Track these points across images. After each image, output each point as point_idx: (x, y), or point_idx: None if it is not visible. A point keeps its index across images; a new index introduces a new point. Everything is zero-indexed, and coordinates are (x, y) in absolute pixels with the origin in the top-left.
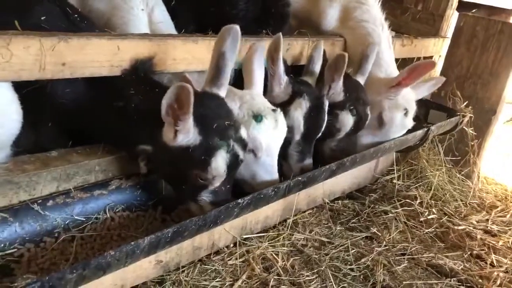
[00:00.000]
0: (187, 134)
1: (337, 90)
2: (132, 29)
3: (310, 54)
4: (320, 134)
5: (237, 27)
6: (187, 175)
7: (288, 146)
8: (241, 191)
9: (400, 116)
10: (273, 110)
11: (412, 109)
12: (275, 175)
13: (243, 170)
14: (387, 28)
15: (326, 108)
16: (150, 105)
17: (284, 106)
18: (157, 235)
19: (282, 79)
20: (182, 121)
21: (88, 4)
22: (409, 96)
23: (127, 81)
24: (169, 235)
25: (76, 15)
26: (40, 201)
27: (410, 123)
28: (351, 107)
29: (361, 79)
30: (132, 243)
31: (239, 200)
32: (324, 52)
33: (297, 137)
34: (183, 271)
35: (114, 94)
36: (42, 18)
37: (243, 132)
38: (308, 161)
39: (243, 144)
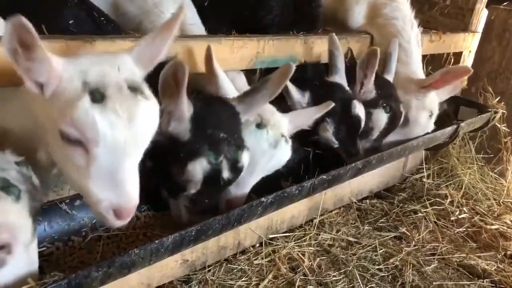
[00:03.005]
0: (179, 123)
1: (369, 88)
2: None
3: (329, 49)
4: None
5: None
6: (168, 168)
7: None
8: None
9: (425, 117)
10: (282, 135)
11: (436, 112)
12: (245, 191)
13: None
14: (416, 25)
15: (357, 111)
16: None
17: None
18: (181, 233)
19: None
20: (176, 104)
21: (121, 8)
22: (435, 99)
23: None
24: (193, 233)
25: (102, 18)
26: (68, 200)
27: (432, 126)
28: (384, 104)
29: (390, 78)
30: (156, 241)
31: (263, 199)
32: (351, 50)
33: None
34: (209, 270)
35: None
36: (70, 22)
37: (244, 155)
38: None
39: (235, 166)
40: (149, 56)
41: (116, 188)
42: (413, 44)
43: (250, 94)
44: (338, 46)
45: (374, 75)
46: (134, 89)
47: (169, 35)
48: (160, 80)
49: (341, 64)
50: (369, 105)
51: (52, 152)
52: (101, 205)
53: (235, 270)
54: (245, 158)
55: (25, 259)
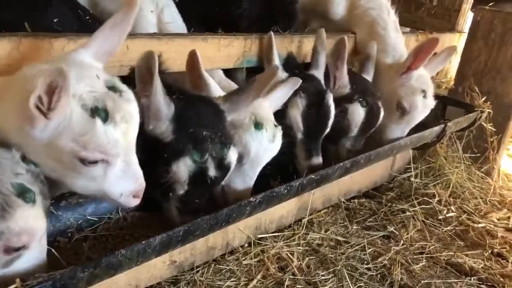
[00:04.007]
0: (158, 121)
1: (343, 82)
2: (140, 31)
3: (314, 45)
4: (327, 130)
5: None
6: (155, 170)
7: (294, 146)
8: None
9: (420, 99)
10: (275, 125)
11: (430, 87)
12: (250, 185)
13: None
14: (393, 13)
15: (330, 102)
16: None
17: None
18: (168, 234)
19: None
20: (151, 97)
21: (100, 5)
22: (423, 76)
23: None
24: (181, 234)
25: (87, 17)
26: (53, 201)
27: (431, 103)
28: (360, 99)
29: (368, 77)
30: (143, 242)
31: (251, 199)
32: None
33: (299, 135)
34: (197, 271)
35: None
36: (55, 20)
37: (230, 153)
38: (316, 159)
39: (221, 163)
40: (107, 50)
41: (131, 178)
42: (390, 30)
43: (237, 94)
44: (323, 43)
45: (345, 65)
46: (113, 88)
47: (125, 28)
48: (136, 74)
49: (322, 61)
50: (345, 100)
51: (59, 176)
52: (123, 197)
53: (223, 271)
54: (232, 154)
55: (38, 249)
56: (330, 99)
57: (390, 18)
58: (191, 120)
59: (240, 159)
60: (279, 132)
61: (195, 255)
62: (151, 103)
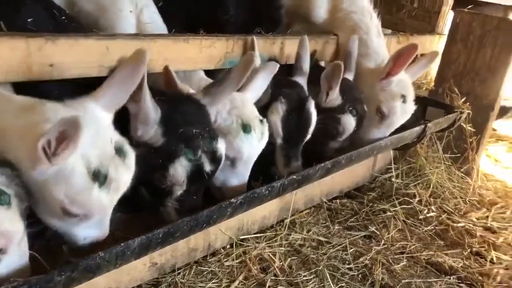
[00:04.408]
0: (147, 126)
1: (334, 96)
2: (119, 31)
3: (297, 52)
4: (307, 137)
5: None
6: (149, 176)
7: (274, 151)
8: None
9: (399, 104)
10: (261, 121)
11: (410, 92)
12: (244, 180)
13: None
14: (375, 17)
15: (312, 109)
16: None
17: (264, 110)
18: (147, 236)
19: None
20: (140, 105)
21: (77, 5)
22: (404, 81)
23: None
24: (160, 236)
25: (63, 17)
26: None
27: (411, 108)
28: (351, 108)
29: (350, 76)
30: (122, 244)
31: (232, 200)
32: (314, 52)
33: (279, 141)
34: (178, 273)
35: None
36: (29, 20)
37: (219, 145)
38: (295, 164)
39: (214, 157)
40: (116, 102)
41: (99, 229)
42: (372, 35)
43: (215, 86)
44: (307, 49)
45: (339, 85)
46: (119, 151)
47: (134, 82)
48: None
49: (306, 68)
50: (337, 111)
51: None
52: (84, 240)
53: (205, 272)
54: (221, 146)
55: (17, 253)
56: (312, 106)
57: (372, 23)
58: (178, 120)
59: (233, 162)
60: (265, 127)
61: (176, 256)
62: (140, 108)
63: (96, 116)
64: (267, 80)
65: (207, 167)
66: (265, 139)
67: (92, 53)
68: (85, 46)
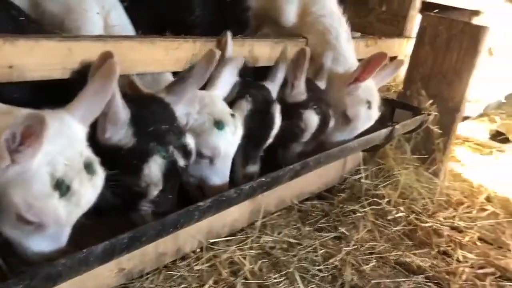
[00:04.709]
0: (116, 129)
1: (300, 89)
2: (85, 33)
3: (276, 60)
4: (268, 140)
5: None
6: (124, 182)
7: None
8: None
9: (363, 110)
10: (232, 115)
11: (375, 99)
12: (226, 179)
13: (194, 173)
14: (345, 22)
15: (276, 114)
16: None
17: (229, 106)
18: (111, 241)
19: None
20: (110, 106)
21: (41, 6)
22: (370, 88)
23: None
24: (125, 241)
25: (23, 18)
26: None
27: (375, 114)
28: (315, 106)
29: (321, 85)
30: (85, 250)
31: (200, 203)
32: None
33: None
34: (147, 279)
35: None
36: None
37: (188, 139)
38: (252, 167)
39: (186, 151)
40: (90, 117)
41: (55, 241)
42: (342, 41)
43: (177, 84)
44: (285, 59)
45: (304, 75)
46: (88, 167)
47: (106, 96)
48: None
49: (279, 76)
50: (300, 106)
51: None
52: (34, 254)
53: (174, 277)
54: (189, 140)
55: None
56: (277, 111)
57: (342, 28)
58: (147, 119)
59: (212, 160)
60: (238, 121)
61: (144, 261)
62: (110, 107)
63: (70, 127)
64: (234, 75)
65: (181, 162)
66: (239, 132)
67: (54, 54)
68: (47, 47)
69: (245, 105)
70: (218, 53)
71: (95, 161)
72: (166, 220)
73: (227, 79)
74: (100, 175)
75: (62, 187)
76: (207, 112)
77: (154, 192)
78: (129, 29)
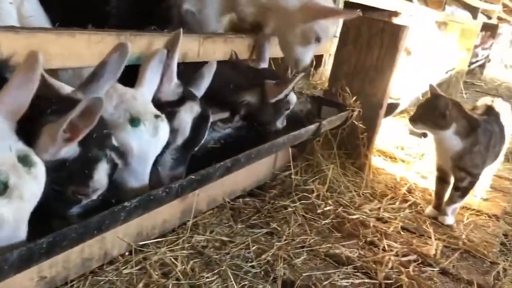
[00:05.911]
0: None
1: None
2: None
3: (201, 70)
4: (198, 146)
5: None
6: (61, 193)
7: (164, 151)
8: None
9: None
10: (156, 116)
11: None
12: (145, 181)
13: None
14: None
15: (209, 120)
16: None
17: (173, 106)
18: (28, 247)
19: (174, 76)
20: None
21: None
22: None
23: None
24: (44, 246)
25: None
26: None
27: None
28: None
29: (264, 65)
30: None
31: (126, 203)
32: (235, 53)
33: (180, 141)
34: (72, 286)
35: None
36: None
37: (113, 140)
38: (181, 169)
39: (118, 151)
40: (16, 110)
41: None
42: None
43: (91, 82)
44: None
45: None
46: (24, 161)
47: (32, 87)
48: None
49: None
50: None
51: None
52: None
53: (102, 282)
54: (113, 139)
55: None
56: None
57: None
58: None
59: (125, 158)
60: (161, 122)
61: (68, 268)
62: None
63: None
64: (159, 70)
65: (118, 162)
66: (162, 136)
67: None
68: None
69: (196, 109)
70: (130, 46)
71: (31, 152)
72: (89, 222)
73: (153, 76)
74: (40, 164)
75: None
76: (124, 108)
77: (96, 195)
78: (44, 21)
